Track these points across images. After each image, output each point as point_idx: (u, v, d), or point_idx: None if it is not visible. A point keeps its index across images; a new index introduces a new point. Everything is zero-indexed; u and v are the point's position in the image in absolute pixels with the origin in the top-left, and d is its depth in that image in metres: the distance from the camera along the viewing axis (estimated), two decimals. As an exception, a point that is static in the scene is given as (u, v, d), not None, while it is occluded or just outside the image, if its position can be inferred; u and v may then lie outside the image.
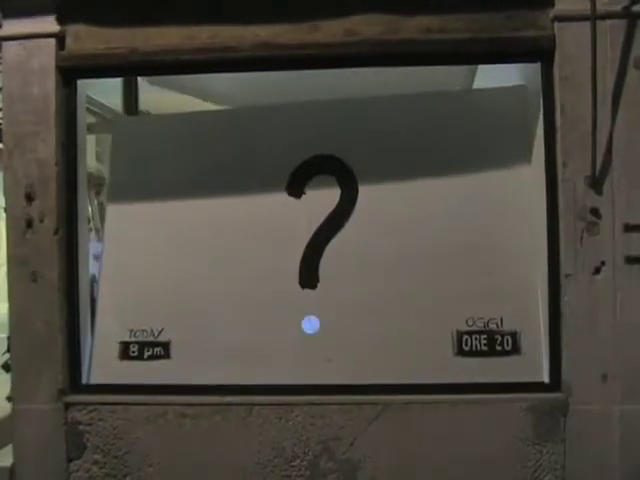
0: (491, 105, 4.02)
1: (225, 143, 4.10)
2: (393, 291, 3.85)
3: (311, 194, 3.96)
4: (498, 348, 3.74)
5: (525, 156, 3.89)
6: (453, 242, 3.86)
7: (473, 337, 3.76)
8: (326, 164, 3.96)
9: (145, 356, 3.89)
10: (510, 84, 4.02)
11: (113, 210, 4.15)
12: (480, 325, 3.77)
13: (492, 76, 4.23)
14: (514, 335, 3.74)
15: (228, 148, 4.08)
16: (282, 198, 3.97)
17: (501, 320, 3.76)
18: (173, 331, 3.90)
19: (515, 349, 3.73)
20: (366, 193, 3.94)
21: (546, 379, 3.64)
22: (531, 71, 3.79)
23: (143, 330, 3.91)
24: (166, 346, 3.89)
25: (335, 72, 3.95)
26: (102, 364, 3.91)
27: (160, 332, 3.90)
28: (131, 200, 4.09)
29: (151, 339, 3.90)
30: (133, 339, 3.91)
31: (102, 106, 4.51)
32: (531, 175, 3.85)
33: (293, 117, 4.10)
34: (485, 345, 3.74)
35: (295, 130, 4.06)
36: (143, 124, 4.26)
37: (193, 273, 3.95)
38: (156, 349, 3.89)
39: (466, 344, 3.76)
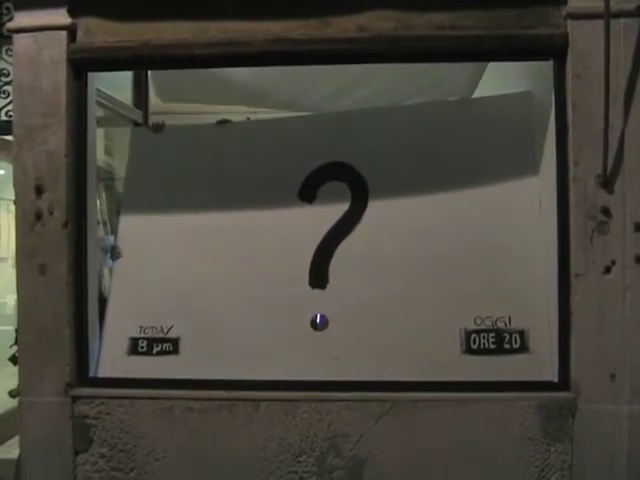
0: (498, 112, 4.06)
1: (239, 151, 4.18)
2: (402, 291, 3.86)
3: (323, 199, 4.02)
4: (506, 346, 3.74)
5: (532, 160, 3.93)
6: (461, 243, 3.88)
7: (481, 335, 3.76)
8: (338, 171, 4.04)
9: (154, 351, 3.91)
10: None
11: (128, 212, 4.20)
12: (488, 324, 3.77)
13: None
14: (522, 333, 3.74)
15: (242, 155, 4.16)
16: (294, 203, 4.03)
17: (509, 319, 3.76)
18: (182, 328, 3.92)
19: (523, 347, 3.73)
20: (376, 198, 3.99)
21: (555, 378, 3.62)
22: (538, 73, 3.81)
23: (153, 327, 3.93)
24: (175, 342, 3.91)
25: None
26: (111, 359, 3.92)
27: (170, 329, 3.93)
28: (145, 203, 4.15)
29: (160, 335, 3.92)
30: (143, 335, 3.93)
31: (112, 99, 4.50)
32: (537, 178, 3.90)
33: (307, 128, 4.20)
34: (493, 343, 3.75)
35: (308, 140, 4.14)
36: (160, 133, 4.36)
37: (204, 272, 3.98)
38: (165, 345, 3.91)
39: (474, 342, 3.76)
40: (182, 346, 3.90)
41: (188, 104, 5.01)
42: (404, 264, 3.89)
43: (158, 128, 4.33)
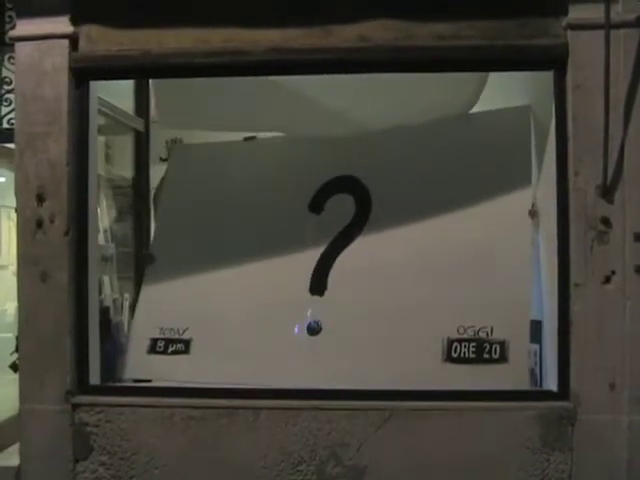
0: (498, 126, 4.13)
1: (261, 167, 4.49)
2: (392, 299, 3.96)
3: (329, 211, 4.26)
4: (486, 356, 3.79)
5: (526, 174, 4.00)
6: (449, 255, 3.98)
7: (462, 344, 3.81)
8: (345, 183, 4.26)
9: (169, 351, 4.15)
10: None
11: (162, 223, 4.68)
12: (471, 333, 3.82)
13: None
14: (502, 344, 3.78)
15: (259, 172, 4.48)
16: (302, 214, 4.26)
17: (491, 329, 3.80)
18: (195, 330, 4.18)
19: (503, 357, 3.77)
20: (375, 212, 4.17)
21: (554, 388, 3.63)
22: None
23: (171, 329, 4.19)
24: (187, 343, 4.16)
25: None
26: (134, 357, 4.20)
27: (184, 331, 4.16)
28: (177, 217, 4.58)
29: (176, 336, 4.17)
30: (162, 336, 4.19)
31: (113, 108, 4.50)
32: (530, 191, 3.98)
33: (320, 148, 4.41)
34: (473, 352, 3.79)
35: (321, 158, 4.38)
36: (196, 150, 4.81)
37: (219, 280, 4.25)
38: (178, 345, 4.17)
39: (455, 351, 3.81)
40: (193, 347, 4.12)
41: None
42: (396, 274, 4.01)
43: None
